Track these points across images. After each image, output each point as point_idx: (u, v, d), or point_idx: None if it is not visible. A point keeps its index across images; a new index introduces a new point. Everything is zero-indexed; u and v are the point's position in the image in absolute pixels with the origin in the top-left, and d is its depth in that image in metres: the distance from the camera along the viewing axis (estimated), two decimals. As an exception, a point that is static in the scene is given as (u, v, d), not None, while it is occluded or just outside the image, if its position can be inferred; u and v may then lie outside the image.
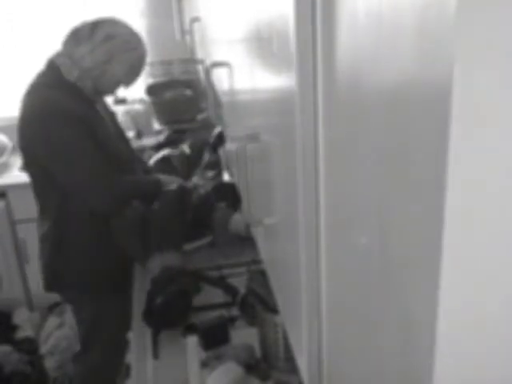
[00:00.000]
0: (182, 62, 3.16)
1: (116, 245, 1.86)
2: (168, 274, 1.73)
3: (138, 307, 1.80)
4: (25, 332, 2.77)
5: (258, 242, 1.07)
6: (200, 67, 2.63)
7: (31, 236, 2.31)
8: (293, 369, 1.20)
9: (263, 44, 0.76)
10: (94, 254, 1.93)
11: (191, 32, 2.09)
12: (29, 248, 2.80)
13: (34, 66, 1.89)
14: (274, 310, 1.37)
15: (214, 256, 2.02)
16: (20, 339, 2.73)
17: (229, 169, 2.14)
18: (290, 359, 1.39)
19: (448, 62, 0.30)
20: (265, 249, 1.01)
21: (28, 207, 2.26)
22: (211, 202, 2.04)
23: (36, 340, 2.73)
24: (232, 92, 1.17)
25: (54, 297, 2.34)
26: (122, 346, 1.94)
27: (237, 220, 1.99)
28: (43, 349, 2.67)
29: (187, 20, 2.26)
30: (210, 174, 2.26)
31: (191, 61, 2.99)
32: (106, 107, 2.03)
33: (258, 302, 1.53)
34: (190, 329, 1.57)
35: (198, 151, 2.40)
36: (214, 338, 1.56)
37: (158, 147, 2.64)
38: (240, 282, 1.76)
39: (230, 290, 1.75)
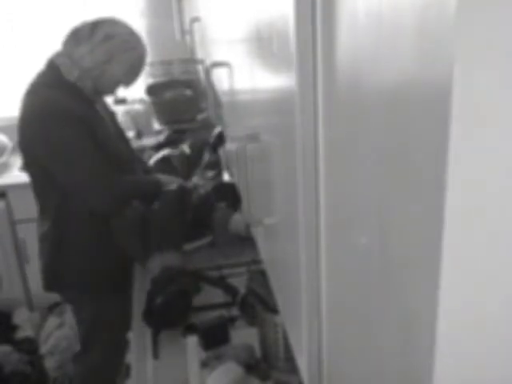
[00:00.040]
0: (181, 61, 3.16)
1: (116, 245, 1.86)
2: (168, 273, 1.73)
3: (138, 307, 1.80)
4: (25, 332, 2.77)
5: (258, 242, 1.07)
6: (200, 67, 2.64)
7: (31, 236, 2.31)
8: (293, 369, 1.20)
9: (263, 44, 0.76)
10: (93, 254, 1.93)
11: (191, 32, 2.09)
12: (29, 248, 2.79)
13: (34, 66, 1.89)
14: (274, 310, 1.37)
15: (214, 256, 2.02)
16: (20, 339, 2.73)
17: (229, 169, 2.14)
18: (290, 359, 1.39)
19: (448, 62, 0.30)
20: (265, 249, 1.01)
21: (28, 207, 2.26)
22: (211, 202, 2.04)
23: (36, 340, 2.73)
24: (232, 92, 1.17)
25: (54, 297, 2.34)
26: (121, 346, 1.94)
27: (237, 220, 1.99)
28: (43, 349, 2.67)
29: (187, 20, 2.27)
30: (210, 174, 2.26)
31: (191, 61, 2.99)
32: (105, 107, 2.03)
33: (258, 302, 1.53)
34: (190, 329, 1.57)
35: (198, 151, 2.40)
36: (214, 338, 1.56)
37: (158, 147, 2.64)
38: (240, 282, 1.76)
39: (230, 290, 1.75)
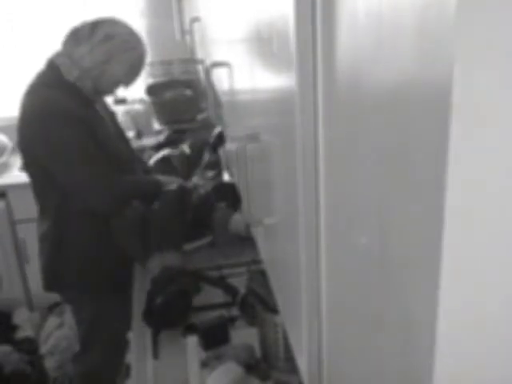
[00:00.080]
0: (181, 61, 3.16)
1: (116, 245, 1.86)
2: (168, 274, 1.73)
3: (138, 307, 1.80)
4: (25, 332, 2.77)
5: (258, 242, 1.07)
6: (200, 67, 2.64)
7: (31, 236, 2.31)
8: (293, 369, 1.20)
9: (263, 44, 0.76)
10: (93, 254, 1.93)
11: (191, 32, 2.09)
12: (29, 248, 2.80)
13: (34, 66, 1.89)
14: (274, 310, 1.37)
15: (214, 256, 2.02)
16: (20, 339, 2.73)
17: (229, 169, 2.14)
18: (290, 359, 1.39)
19: (448, 62, 0.30)
20: (265, 249, 1.01)
21: (28, 207, 2.26)
22: (211, 202, 2.04)
23: (36, 340, 2.73)
24: (232, 92, 1.17)
25: (54, 297, 2.34)
26: (122, 346, 1.93)
27: (237, 220, 1.99)
28: (43, 349, 2.67)
29: (187, 20, 2.27)
30: (210, 174, 2.26)
31: (191, 61, 2.99)
32: (105, 107, 2.03)
33: (258, 302, 1.53)
34: (190, 329, 1.57)
35: (198, 151, 2.40)
36: (214, 338, 1.56)
37: (158, 147, 2.64)
38: (240, 282, 1.76)
39: (230, 290, 1.75)
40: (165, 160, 2.34)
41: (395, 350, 0.44)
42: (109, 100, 2.16)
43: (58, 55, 1.84)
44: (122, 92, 2.06)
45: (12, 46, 3.10)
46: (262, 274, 1.48)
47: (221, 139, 2.27)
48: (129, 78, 1.91)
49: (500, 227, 0.34)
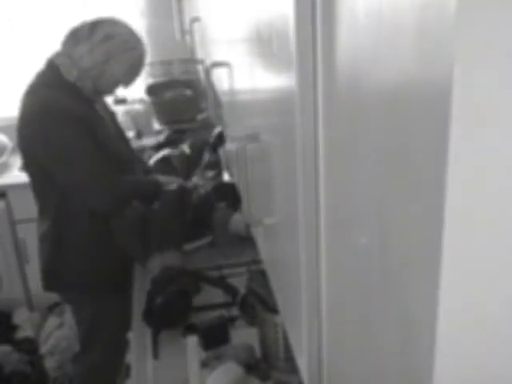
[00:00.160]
0: (181, 61, 3.15)
1: (116, 245, 1.86)
2: (168, 273, 1.73)
3: (138, 307, 1.80)
4: (25, 332, 2.77)
5: (258, 242, 1.07)
6: (200, 67, 2.64)
7: (31, 236, 2.31)
8: (293, 369, 1.20)
9: (263, 44, 0.76)
10: (93, 254, 1.92)
11: (191, 32, 2.09)
12: (29, 248, 2.79)
13: (34, 66, 1.89)
14: (274, 310, 1.37)
15: (214, 256, 2.02)
16: (20, 339, 2.73)
17: (229, 169, 2.14)
18: (290, 359, 1.39)
19: (448, 62, 0.30)
20: (265, 249, 1.01)
21: (28, 207, 2.25)
22: (211, 202, 2.04)
23: (36, 340, 2.73)
24: (232, 92, 1.17)
25: (54, 297, 2.34)
26: (121, 346, 1.94)
27: (237, 220, 1.99)
28: (43, 349, 2.67)
29: (187, 20, 2.27)
30: (210, 174, 2.26)
31: (191, 61, 2.99)
32: (105, 107, 2.03)
33: (258, 302, 1.53)
34: (190, 329, 1.57)
35: (198, 151, 2.40)
36: (214, 338, 1.56)
37: (158, 147, 2.64)
38: (240, 282, 1.76)
39: (230, 290, 1.75)
40: (165, 160, 2.34)
41: (395, 350, 0.44)
42: (109, 100, 2.16)
43: (58, 55, 1.84)
44: (121, 92, 2.06)
45: (12, 46, 3.10)
46: (262, 274, 1.48)
47: (221, 139, 2.27)
48: (128, 78, 1.91)
49: (500, 227, 0.34)
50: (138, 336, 1.72)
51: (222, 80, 1.31)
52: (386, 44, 0.39)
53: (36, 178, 1.90)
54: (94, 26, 1.81)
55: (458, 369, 0.37)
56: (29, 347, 2.67)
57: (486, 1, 0.29)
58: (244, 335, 1.61)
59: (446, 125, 0.31)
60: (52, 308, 2.91)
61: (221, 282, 1.82)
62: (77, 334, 2.16)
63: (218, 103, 1.48)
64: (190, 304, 1.71)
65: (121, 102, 2.67)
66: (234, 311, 1.70)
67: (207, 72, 1.25)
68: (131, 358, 1.70)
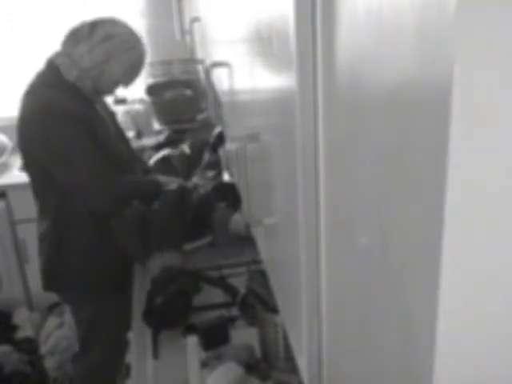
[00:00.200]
0: (181, 61, 3.16)
1: (116, 245, 1.86)
2: (168, 273, 1.73)
3: (138, 307, 1.80)
4: (25, 332, 2.77)
5: (258, 242, 1.07)
6: (200, 67, 2.63)
7: (31, 236, 2.31)
8: (293, 369, 1.20)
9: (263, 44, 0.76)
10: (93, 254, 1.92)
11: (191, 32, 2.09)
12: (29, 248, 2.80)
13: (34, 66, 1.89)
14: (274, 310, 1.37)
15: (214, 256, 2.02)
16: (20, 339, 2.73)
17: (229, 169, 2.14)
18: (290, 359, 1.39)
19: (448, 62, 0.30)
20: (265, 249, 1.01)
21: (28, 207, 2.25)
22: (211, 202, 2.04)
23: (36, 340, 2.73)
24: (232, 92, 1.17)
25: (54, 297, 2.34)
26: (121, 346, 1.94)
27: (237, 220, 1.99)
28: (43, 349, 2.67)
29: (187, 20, 2.27)
30: (210, 174, 2.26)
31: (191, 61, 2.99)
32: (105, 107, 2.03)
33: (258, 302, 1.53)
34: (190, 329, 1.57)
35: (198, 151, 2.40)
36: (214, 338, 1.56)
37: (158, 147, 2.64)
38: (240, 282, 1.76)
39: (230, 290, 1.75)
40: (165, 160, 2.34)
41: (395, 350, 0.44)
42: (109, 100, 2.16)
43: (58, 55, 1.84)
44: (121, 92, 2.06)
45: (12, 46, 3.10)
46: (262, 274, 1.48)
47: (221, 139, 2.27)
48: (128, 78, 1.91)
49: (500, 227, 0.34)
50: (138, 336, 1.72)
51: (221, 80, 1.31)
52: (386, 44, 0.39)
53: (36, 178, 1.90)
54: (94, 26, 1.81)
55: (458, 369, 0.37)
56: (29, 347, 2.67)
57: (486, 1, 0.29)
58: (244, 335, 1.61)
59: (446, 125, 0.31)
60: (52, 308, 2.91)
61: (221, 282, 1.82)
62: (77, 334, 2.16)
63: (218, 103, 1.48)
64: (190, 304, 1.71)
65: (121, 101, 2.67)
66: (234, 311, 1.70)
67: (207, 72, 1.25)
68: (131, 357, 1.70)
